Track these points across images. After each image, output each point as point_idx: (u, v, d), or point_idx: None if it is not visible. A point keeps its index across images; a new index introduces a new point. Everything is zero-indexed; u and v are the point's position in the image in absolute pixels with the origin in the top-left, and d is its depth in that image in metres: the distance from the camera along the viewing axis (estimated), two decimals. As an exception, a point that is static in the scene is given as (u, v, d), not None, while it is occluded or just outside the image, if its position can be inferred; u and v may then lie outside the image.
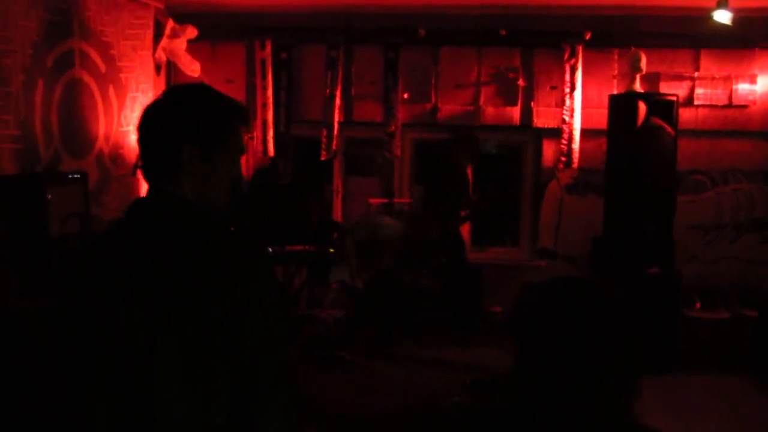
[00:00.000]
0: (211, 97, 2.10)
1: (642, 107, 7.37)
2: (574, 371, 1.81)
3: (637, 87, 7.79)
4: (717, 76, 8.11)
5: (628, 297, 1.91)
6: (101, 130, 7.32)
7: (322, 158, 8.66)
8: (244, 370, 1.89)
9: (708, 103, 8.13)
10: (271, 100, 8.61)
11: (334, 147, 8.62)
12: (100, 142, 7.32)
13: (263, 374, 1.91)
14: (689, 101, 8.09)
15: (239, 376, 1.89)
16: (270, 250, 6.93)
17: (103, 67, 7.29)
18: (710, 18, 6.85)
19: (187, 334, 1.86)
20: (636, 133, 7.39)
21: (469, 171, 8.31)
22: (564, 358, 1.81)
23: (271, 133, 8.65)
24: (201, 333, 1.86)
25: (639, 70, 7.76)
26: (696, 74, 8.14)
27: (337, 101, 8.51)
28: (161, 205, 2.01)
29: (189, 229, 1.97)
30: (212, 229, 2.01)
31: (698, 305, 8.12)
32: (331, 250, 7.24)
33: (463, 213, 8.08)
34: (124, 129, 7.66)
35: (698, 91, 8.12)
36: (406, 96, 8.47)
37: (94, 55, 7.16)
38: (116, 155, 7.56)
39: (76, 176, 6.52)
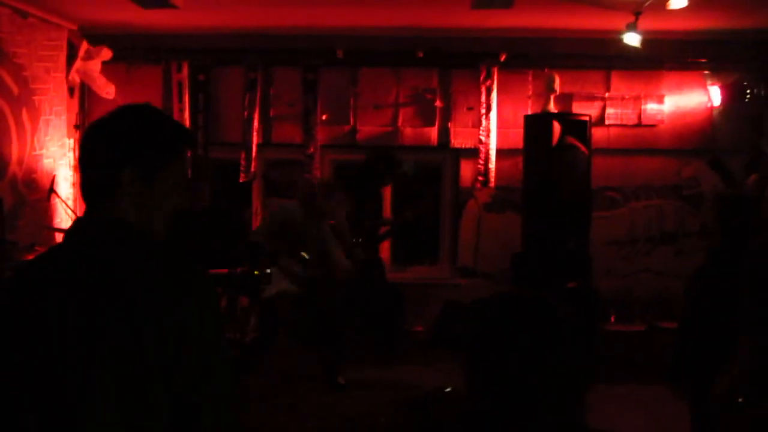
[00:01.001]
0: (157, 119, 2.08)
1: (556, 127, 7.56)
2: (526, 384, 1.84)
3: (552, 107, 7.98)
4: (627, 96, 8.38)
5: (572, 309, 1.95)
6: (14, 154, 7.14)
7: (241, 180, 8.60)
8: (185, 395, 1.86)
9: (619, 122, 8.39)
10: (188, 122, 8.52)
11: (252, 169, 8.57)
12: (13, 167, 7.13)
13: (204, 400, 1.88)
14: (601, 121, 8.32)
15: (179, 402, 1.85)
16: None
17: (15, 90, 7.12)
18: (620, 40, 7.08)
19: (123, 358, 1.82)
20: (551, 152, 7.58)
21: (387, 190, 8.36)
22: (516, 371, 1.84)
23: (188, 155, 8.54)
24: (138, 356, 1.82)
25: (553, 90, 7.96)
26: (607, 94, 8.39)
27: (256, 123, 8.48)
28: (99, 228, 1.98)
29: (127, 252, 1.94)
30: (150, 252, 1.98)
31: (612, 318, 8.33)
32: (256, 272, 7.17)
33: (381, 231, 8.10)
34: (38, 153, 7.49)
35: (609, 110, 8.37)
36: (325, 117, 8.50)
37: (7, 78, 7.00)
38: (30, 180, 7.38)
39: (-11, 201, 6.35)
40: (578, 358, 1.88)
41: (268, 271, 6.77)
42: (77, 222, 2.05)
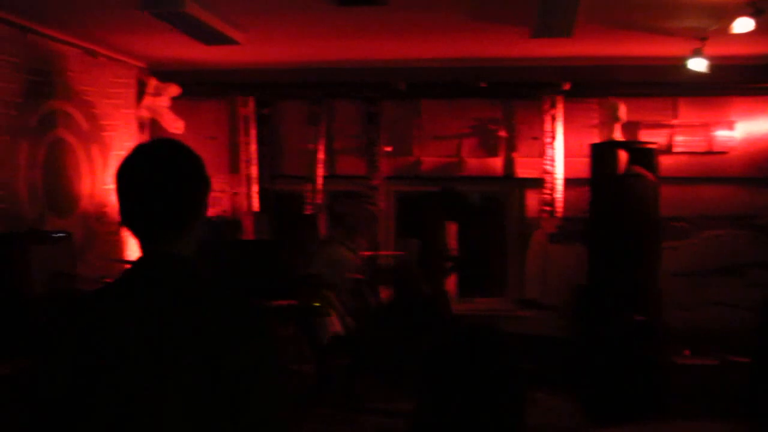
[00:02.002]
0: (196, 154, 2.11)
1: (623, 155, 7.44)
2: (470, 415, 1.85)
3: (617, 136, 7.86)
4: (696, 123, 8.21)
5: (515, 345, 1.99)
6: (85, 188, 7.33)
7: (306, 212, 8.67)
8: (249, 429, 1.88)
9: (687, 150, 8.22)
10: (254, 155, 8.66)
11: (317, 201, 8.64)
12: (85, 201, 7.33)
13: None
14: (669, 149, 8.16)
15: None
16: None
17: (85, 126, 7.33)
18: (686, 66, 6.96)
19: (193, 396, 1.85)
20: (618, 181, 7.45)
21: (451, 224, 8.34)
22: (466, 401, 1.85)
23: (255, 188, 8.68)
24: (207, 395, 1.85)
25: (618, 119, 7.84)
26: (674, 122, 8.24)
27: (320, 155, 8.57)
28: (166, 263, 2.00)
29: (193, 290, 1.97)
30: (214, 290, 2.01)
31: (687, 352, 8.10)
32: (317, 304, 7.20)
33: (448, 265, 8.07)
34: (108, 187, 7.67)
35: (677, 138, 8.21)
36: (388, 149, 8.53)
37: (77, 115, 7.21)
38: (100, 214, 7.57)
39: (60, 235, 6.51)
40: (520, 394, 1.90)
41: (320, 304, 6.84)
42: (141, 261, 2.05)
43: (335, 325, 6.89)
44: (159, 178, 2.01)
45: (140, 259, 2.05)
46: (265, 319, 2.01)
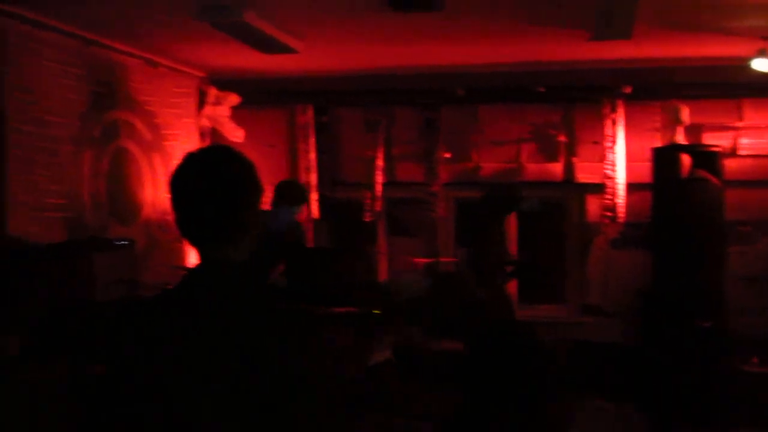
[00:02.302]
0: (249, 160, 2.13)
1: (686, 159, 7.32)
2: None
3: (680, 139, 7.74)
4: (761, 125, 8.01)
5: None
6: (147, 197, 7.45)
7: (366, 219, 8.69)
8: None
9: (753, 152, 8.02)
10: (313, 163, 8.72)
11: (377, 208, 8.66)
12: (147, 209, 7.45)
13: None
14: (733, 151, 7.98)
15: None
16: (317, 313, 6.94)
17: (148, 136, 7.45)
18: (750, 67, 6.81)
19: (239, 399, 1.86)
20: (681, 186, 7.33)
21: (511, 228, 8.29)
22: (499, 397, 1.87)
23: (314, 195, 8.73)
24: (253, 397, 1.86)
25: (680, 122, 7.72)
26: (739, 124, 8.05)
27: (379, 162, 8.58)
28: (218, 273, 2.02)
29: (243, 296, 1.99)
30: (264, 297, 2.03)
31: (756, 360, 7.90)
32: (376, 312, 7.20)
33: (508, 269, 7.99)
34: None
35: (742, 140, 8.03)
36: (447, 155, 8.51)
37: (139, 125, 7.33)
38: (162, 221, 7.67)
39: (123, 243, 6.62)
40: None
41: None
42: (199, 265, 2.08)
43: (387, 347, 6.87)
44: (208, 184, 2.03)
45: (195, 267, 2.07)
46: (313, 327, 2.02)
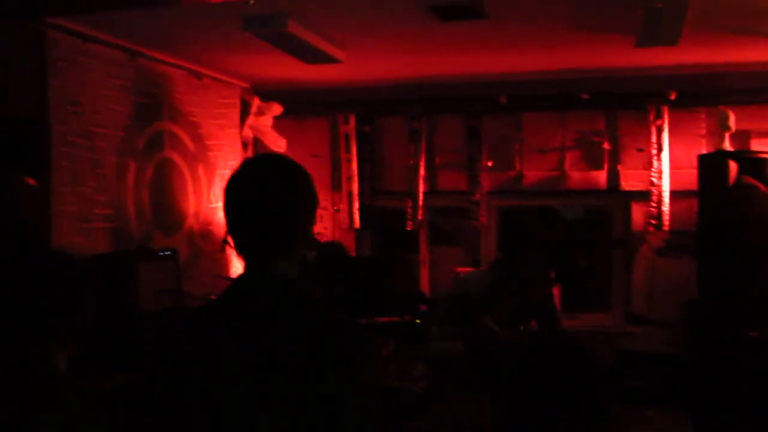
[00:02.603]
0: (305, 171, 2.11)
1: (733, 166, 7.21)
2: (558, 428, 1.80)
3: (727, 146, 7.62)
4: (811, 131, 7.88)
5: (604, 354, 1.93)
6: (191, 207, 7.49)
7: (408, 228, 8.67)
8: None
9: (802, 158, 7.88)
10: (355, 172, 8.71)
11: (419, 217, 8.63)
12: (190, 220, 7.49)
13: None
14: (782, 158, 7.84)
15: None
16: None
17: (191, 147, 7.50)
18: (799, 72, 6.71)
19: (289, 412, 1.85)
20: (728, 193, 7.22)
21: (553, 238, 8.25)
22: (548, 416, 1.81)
23: (356, 205, 8.72)
24: (303, 411, 1.84)
25: (728, 128, 7.60)
26: (789, 130, 7.92)
27: (421, 171, 8.55)
28: (269, 284, 2.00)
29: (294, 307, 1.97)
30: (313, 307, 2.00)
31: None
32: (418, 321, 7.18)
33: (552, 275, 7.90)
34: (213, 206, 7.82)
35: (791, 146, 7.89)
36: (490, 164, 8.46)
37: (183, 135, 7.38)
38: (206, 232, 7.71)
39: (166, 253, 6.67)
40: (609, 412, 1.84)
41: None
42: (244, 278, 2.06)
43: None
44: (262, 194, 2.01)
45: (240, 277, 2.06)
46: (362, 338, 1.98)
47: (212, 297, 7.09)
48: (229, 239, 2.08)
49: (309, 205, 2.07)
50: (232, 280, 2.10)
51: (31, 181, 4.78)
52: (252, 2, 4.99)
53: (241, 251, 2.05)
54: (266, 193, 2.01)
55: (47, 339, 2.15)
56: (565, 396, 1.81)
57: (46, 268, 2.22)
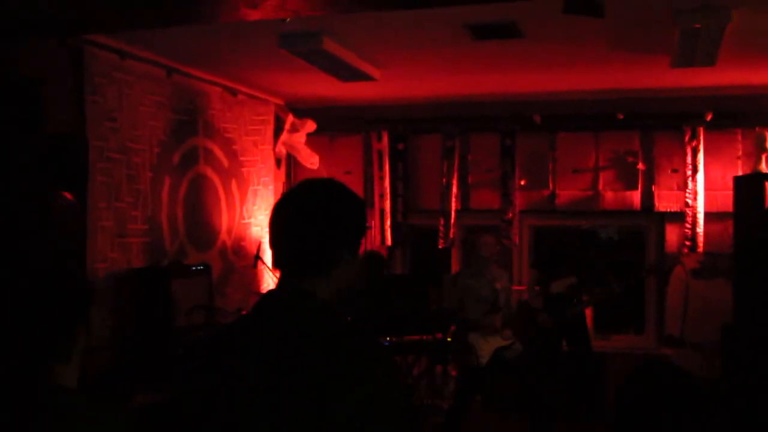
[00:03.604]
0: (355, 198, 2.12)
1: (770, 188, 7.12)
2: None
3: (764, 167, 7.54)
4: None
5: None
6: (224, 223, 7.53)
7: (440, 247, 8.65)
8: None
9: (840, 181, 7.78)
10: (388, 190, 8.71)
11: (451, 236, 8.61)
12: (223, 235, 7.52)
13: None
14: (820, 180, 7.74)
15: None
16: (388, 340, 6.91)
17: (226, 163, 7.54)
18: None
19: (310, 427, 1.84)
20: (765, 215, 7.13)
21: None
22: None
23: (388, 222, 8.72)
24: (325, 426, 1.83)
25: (765, 150, 7.54)
26: (827, 152, 7.82)
27: (454, 189, 8.54)
28: (300, 305, 2.00)
29: (320, 329, 1.96)
30: (338, 327, 2.00)
31: None
32: (449, 339, 7.14)
33: (584, 298, 7.85)
34: (246, 221, 7.86)
35: (829, 169, 7.79)
36: (523, 183, 8.43)
37: (218, 151, 7.42)
38: (238, 247, 7.74)
39: (200, 268, 6.70)
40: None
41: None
42: (273, 296, 2.07)
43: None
44: (302, 216, 2.03)
45: (267, 294, 2.07)
46: (382, 358, 1.98)
47: (243, 312, 7.13)
48: (266, 256, 2.10)
49: (352, 232, 2.07)
50: (265, 297, 2.11)
51: (69, 196, 4.81)
52: (288, 20, 5.00)
53: (277, 269, 2.07)
54: (306, 216, 2.03)
55: (53, 357, 2.17)
56: (678, 418, 1.82)
57: (51, 287, 2.24)
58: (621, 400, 1.92)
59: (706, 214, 8.00)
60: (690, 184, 7.99)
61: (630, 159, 8.25)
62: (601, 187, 8.31)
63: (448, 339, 7.17)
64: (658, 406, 1.82)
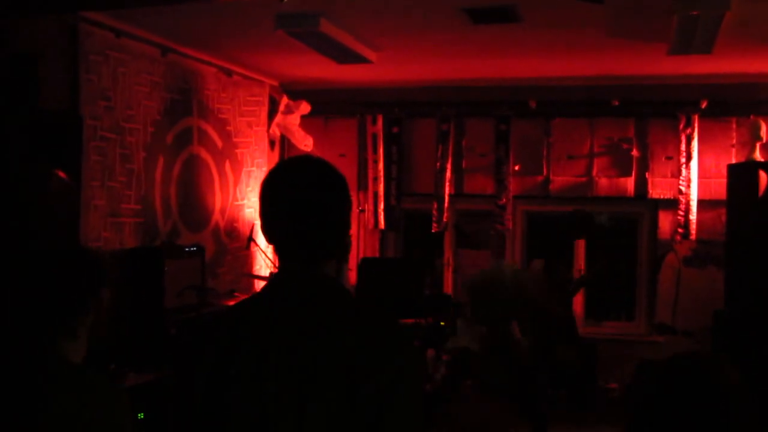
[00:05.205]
0: (343, 177, 2.10)
1: (763, 177, 7.13)
2: None
3: (758, 156, 7.55)
4: (843, 143, 7.79)
5: (746, 380, 1.88)
6: (217, 204, 7.50)
7: (433, 231, 8.64)
8: None
9: (834, 171, 7.79)
10: (382, 173, 8.70)
11: (444, 220, 8.60)
12: (216, 216, 7.50)
13: None
14: (814, 169, 7.76)
15: None
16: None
17: (219, 144, 7.51)
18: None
19: (336, 409, 1.84)
20: (758, 204, 7.15)
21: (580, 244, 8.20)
22: None
23: (381, 206, 8.71)
24: (349, 408, 1.83)
25: (759, 138, 7.54)
26: (821, 141, 7.83)
27: (448, 174, 8.53)
28: (313, 283, 1.99)
29: (338, 309, 1.96)
30: (356, 307, 2.00)
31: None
32: (443, 323, 7.15)
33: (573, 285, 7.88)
34: (239, 203, 7.84)
35: (823, 158, 7.80)
36: (517, 168, 8.42)
37: (212, 132, 7.39)
38: (231, 229, 7.72)
39: (192, 249, 6.68)
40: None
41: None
42: (285, 278, 2.04)
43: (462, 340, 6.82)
44: (311, 199, 2.00)
45: (281, 277, 2.04)
46: (408, 338, 1.99)
47: (237, 294, 7.12)
48: (264, 238, 2.07)
49: (350, 211, 2.06)
50: (271, 279, 2.09)
51: (63, 175, 4.79)
52: (285, 1, 4.97)
53: (283, 252, 2.03)
54: (315, 199, 2.00)
55: (60, 332, 2.17)
56: (704, 414, 1.79)
57: (60, 262, 2.23)
58: (640, 402, 1.89)
59: (700, 202, 8.01)
60: (684, 172, 7.99)
61: (624, 146, 8.24)
62: (595, 173, 8.31)
63: (441, 323, 7.19)
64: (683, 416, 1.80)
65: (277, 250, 2.05)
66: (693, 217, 8.02)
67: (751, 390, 1.81)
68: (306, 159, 2.10)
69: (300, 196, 2.00)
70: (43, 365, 2.13)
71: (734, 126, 8.00)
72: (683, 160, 7.99)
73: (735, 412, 1.79)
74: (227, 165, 7.66)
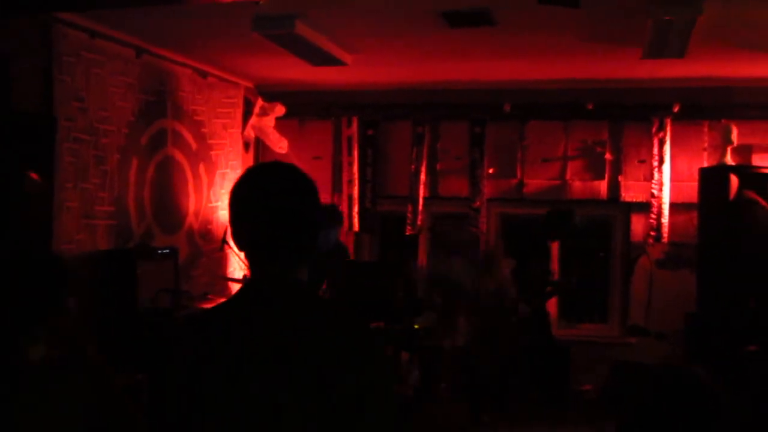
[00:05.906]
0: (313, 181, 2.11)
1: (734, 180, 7.21)
2: None
3: (729, 160, 7.63)
4: (813, 147, 7.88)
5: (729, 388, 1.90)
6: (191, 206, 7.47)
7: (407, 233, 8.65)
8: None
9: (804, 174, 7.88)
10: (356, 176, 8.69)
11: (419, 222, 8.61)
12: (190, 218, 7.47)
13: None
14: (783, 173, 7.85)
15: None
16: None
17: (194, 145, 7.48)
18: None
19: (311, 413, 1.84)
20: (729, 207, 7.22)
21: (555, 246, 8.22)
22: None
23: (356, 208, 8.70)
24: (325, 412, 1.84)
25: (730, 142, 7.61)
26: (790, 145, 7.92)
27: (423, 177, 8.54)
28: (289, 290, 1.99)
29: (313, 314, 1.97)
30: (330, 311, 2.01)
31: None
32: (416, 327, 7.16)
33: (548, 289, 7.92)
34: (213, 205, 7.81)
35: (793, 162, 7.89)
36: (491, 171, 8.45)
37: (186, 134, 7.36)
38: (205, 231, 7.69)
39: (166, 251, 6.65)
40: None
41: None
42: (258, 283, 2.04)
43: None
44: (290, 204, 2.01)
45: (256, 280, 2.04)
46: (378, 340, 2.00)
47: (210, 297, 7.09)
48: (233, 242, 2.06)
49: (321, 215, 2.08)
50: (247, 283, 2.08)
51: (36, 177, 4.75)
52: (261, 2, 4.97)
53: (254, 258, 2.03)
54: (289, 205, 2.00)
55: (20, 334, 2.19)
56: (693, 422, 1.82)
57: (24, 270, 2.24)
58: (632, 409, 1.92)
59: (672, 205, 8.07)
60: (656, 175, 8.05)
61: (598, 149, 8.29)
62: (568, 176, 8.35)
63: (416, 326, 7.19)
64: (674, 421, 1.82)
65: (250, 256, 2.04)
66: (665, 220, 8.08)
67: (724, 392, 1.84)
68: (277, 165, 2.10)
69: (274, 203, 2.00)
70: (10, 370, 2.14)
71: (706, 130, 8.07)
72: (656, 163, 8.05)
73: (720, 419, 1.83)
74: (201, 167, 7.63)
